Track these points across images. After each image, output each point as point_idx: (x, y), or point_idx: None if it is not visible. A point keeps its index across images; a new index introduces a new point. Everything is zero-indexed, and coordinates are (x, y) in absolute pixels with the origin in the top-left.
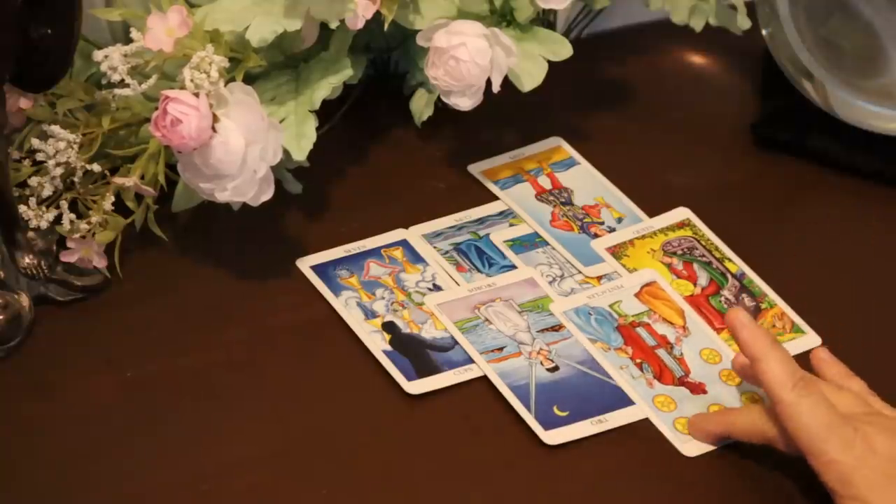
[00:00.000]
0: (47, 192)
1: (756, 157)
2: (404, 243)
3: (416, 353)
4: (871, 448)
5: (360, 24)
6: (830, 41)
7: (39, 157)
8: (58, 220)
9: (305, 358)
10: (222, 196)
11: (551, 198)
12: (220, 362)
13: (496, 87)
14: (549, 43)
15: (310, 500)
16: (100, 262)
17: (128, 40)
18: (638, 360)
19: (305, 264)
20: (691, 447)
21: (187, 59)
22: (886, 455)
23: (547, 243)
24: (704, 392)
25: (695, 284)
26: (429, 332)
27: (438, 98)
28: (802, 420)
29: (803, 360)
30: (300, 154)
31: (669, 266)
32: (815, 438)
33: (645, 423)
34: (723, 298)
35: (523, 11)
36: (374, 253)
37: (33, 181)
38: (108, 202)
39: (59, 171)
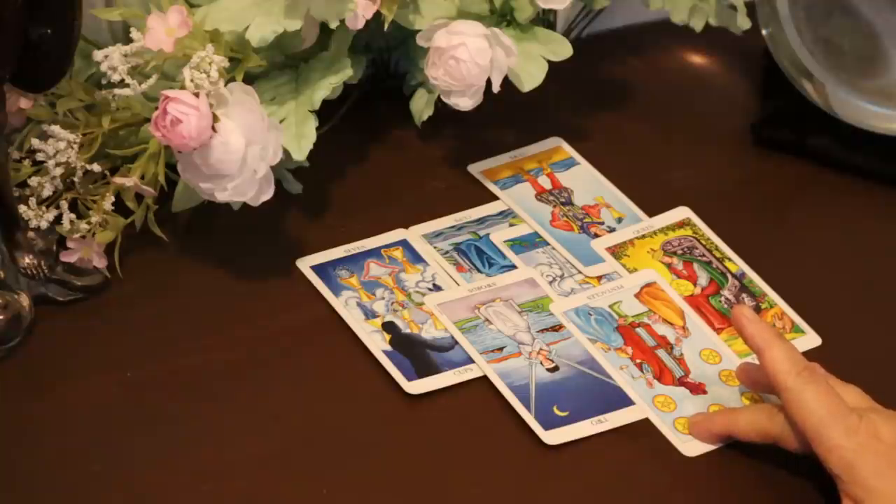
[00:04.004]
0: (47, 192)
1: (756, 157)
2: (404, 243)
3: (416, 353)
4: (876, 435)
5: (360, 24)
6: (830, 41)
7: (39, 157)
8: (58, 220)
9: (305, 358)
10: (222, 196)
11: (551, 198)
12: (220, 362)
13: (496, 87)
14: (549, 43)
15: (310, 500)
16: (100, 262)
17: (128, 40)
18: (638, 361)
19: (305, 264)
20: (691, 447)
21: (187, 59)
22: (891, 442)
23: (547, 243)
24: (704, 392)
25: (695, 284)
26: (429, 332)
27: (438, 98)
28: (807, 406)
29: None
30: (300, 154)
31: (669, 266)
32: (819, 424)
33: (645, 424)
34: (723, 298)
35: (523, 11)
36: (374, 253)
37: (33, 181)
38: (108, 202)
39: (59, 171)
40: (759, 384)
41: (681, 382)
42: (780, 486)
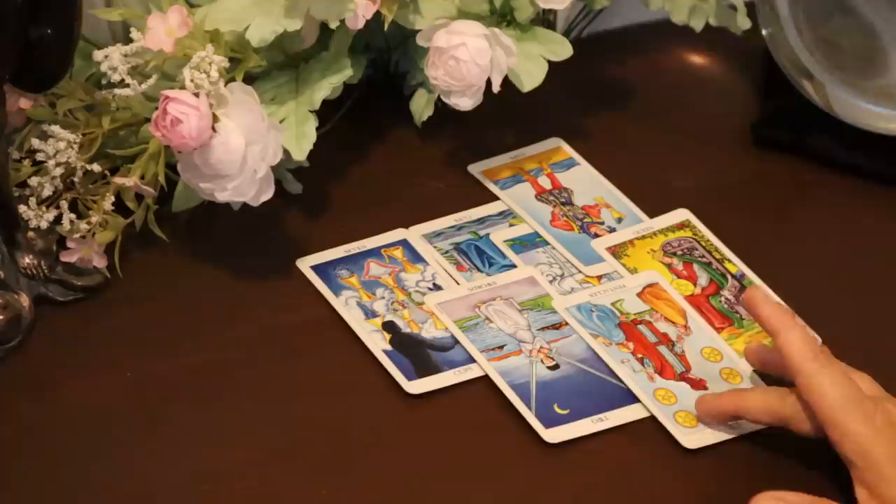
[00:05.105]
0: (47, 192)
1: (756, 157)
2: (404, 243)
3: (417, 352)
4: (891, 422)
5: (360, 24)
6: (830, 41)
7: (39, 157)
8: (58, 220)
9: (306, 358)
10: (222, 196)
11: (551, 198)
12: (220, 362)
13: (496, 87)
14: (549, 43)
15: (310, 500)
16: (100, 262)
17: (128, 40)
18: (639, 356)
19: (305, 264)
20: (693, 439)
21: (187, 59)
22: None
23: (547, 243)
24: (705, 388)
25: (695, 285)
26: (429, 332)
27: (438, 98)
28: (823, 390)
29: None
30: (300, 154)
31: (669, 266)
32: (835, 408)
33: (645, 422)
34: (723, 299)
35: (523, 11)
36: (374, 253)
37: (33, 181)
38: (108, 202)
39: (59, 171)
40: (769, 365)
41: (682, 378)
42: (782, 479)
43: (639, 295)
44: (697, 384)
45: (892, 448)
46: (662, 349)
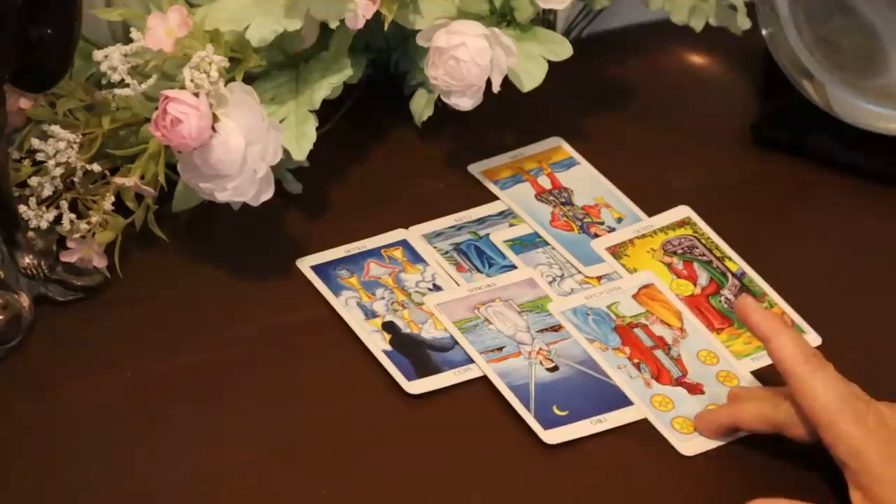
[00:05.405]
0: (47, 192)
1: (756, 157)
2: (404, 243)
3: (416, 353)
4: (884, 422)
5: (360, 24)
6: (830, 41)
7: (39, 157)
8: (58, 220)
9: (306, 358)
10: (222, 196)
11: (551, 198)
12: (220, 362)
13: (496, 87)
14: (549, 43)
15: (310, 500)
16: (100, 262)
17: (128, 40)
18: (636, 361)
19: (305, 264)
20: (689, 446)
21: (187, 59)
22: None
23: (547, 243)
24: (702, 392)
25: (695, 284)
26: (429, 332)
27: (438, 98)
28: (816, 392)
29: None
30: (300, 154)
31: (669, 266)
32: (828, 409)
33: (644, 423)
34: (723, 298)
35: (523, 11)
36: (374, 253)
37: (33, 181)
38: (108, 202)
39: (59, 171)
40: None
41: (678, 382)
42: (777, 484)
43: (634, 297)
44: (694, 388)
45: (884, 449)
46: (659, 353)
